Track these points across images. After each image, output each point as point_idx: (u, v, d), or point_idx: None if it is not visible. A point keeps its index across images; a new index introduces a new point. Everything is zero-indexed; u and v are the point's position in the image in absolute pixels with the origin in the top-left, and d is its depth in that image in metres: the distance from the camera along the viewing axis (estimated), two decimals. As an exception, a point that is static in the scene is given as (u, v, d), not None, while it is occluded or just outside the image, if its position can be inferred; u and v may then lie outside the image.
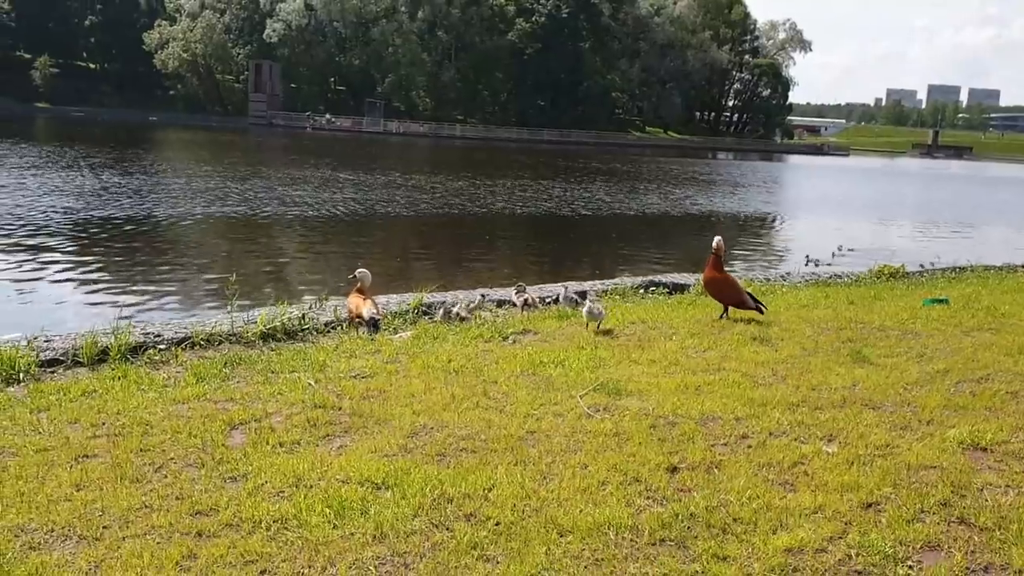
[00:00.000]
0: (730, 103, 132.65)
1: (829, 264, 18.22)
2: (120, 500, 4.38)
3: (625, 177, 47.30)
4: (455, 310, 9.31)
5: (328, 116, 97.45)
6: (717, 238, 9.18)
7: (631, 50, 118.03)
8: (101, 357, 7.29)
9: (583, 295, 11.05)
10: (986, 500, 4.57)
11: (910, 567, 3.87)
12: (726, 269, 9.46)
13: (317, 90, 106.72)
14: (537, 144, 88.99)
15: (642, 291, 11.41)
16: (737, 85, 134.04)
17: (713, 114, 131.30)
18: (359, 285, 8.49)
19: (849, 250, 20.92)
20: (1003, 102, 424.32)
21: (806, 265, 17.82)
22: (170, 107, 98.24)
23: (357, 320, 8.35)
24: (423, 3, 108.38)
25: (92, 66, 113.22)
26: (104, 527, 4.11)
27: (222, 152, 49.97)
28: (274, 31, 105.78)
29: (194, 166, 39.28)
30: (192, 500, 4.41)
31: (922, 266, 14.80)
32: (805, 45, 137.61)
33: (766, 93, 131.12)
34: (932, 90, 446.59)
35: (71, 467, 4.82)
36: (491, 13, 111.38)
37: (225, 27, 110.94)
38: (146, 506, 4.34)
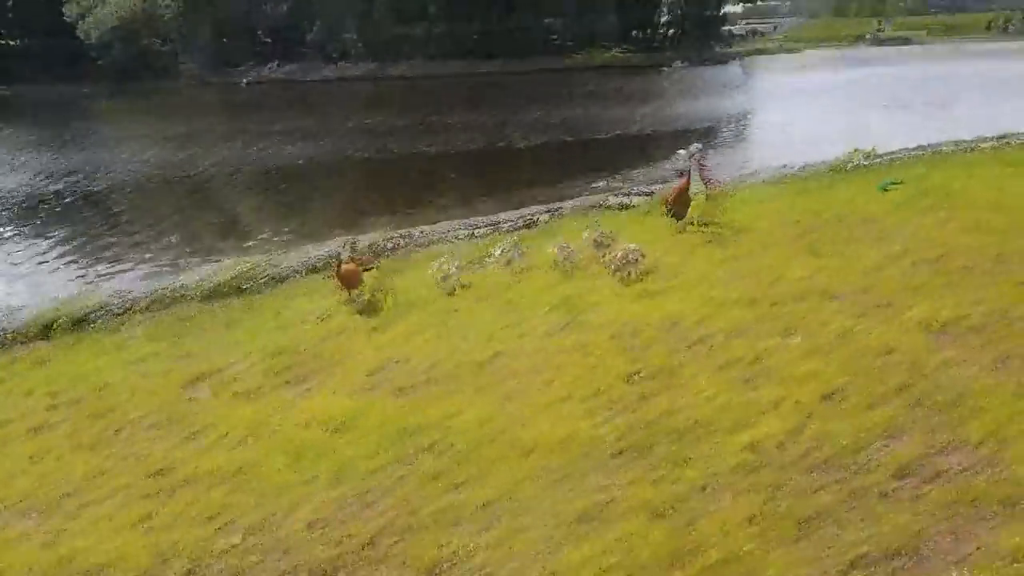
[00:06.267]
0: (664, 19, 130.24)
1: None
2: (77, 467, 4.32)
3: (570, 101, 46.64)
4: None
5: (266, 67, 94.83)
6: (693, 146, 8.86)
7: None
8: (52, 327, 7.13)
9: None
10: (943, 379, 4.59)
11: (871, 455, 3.89)
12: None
13: (247, 44, 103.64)
14: (477, 76, 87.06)
15: (597, 209, 11.29)
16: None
17: (649, 31, 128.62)
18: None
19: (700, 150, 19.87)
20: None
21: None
22: (99, 77, 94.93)
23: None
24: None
25: (12, 43, 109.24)
26: (63, 496, 4.05)
27: (159, 117, 48.55)
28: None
29: (131, 133, 38.15)
30: (151, 460, 4.36)
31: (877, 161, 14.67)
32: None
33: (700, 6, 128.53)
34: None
35: (27, 440, 4.75)
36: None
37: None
38: (104, 471, 4.28)
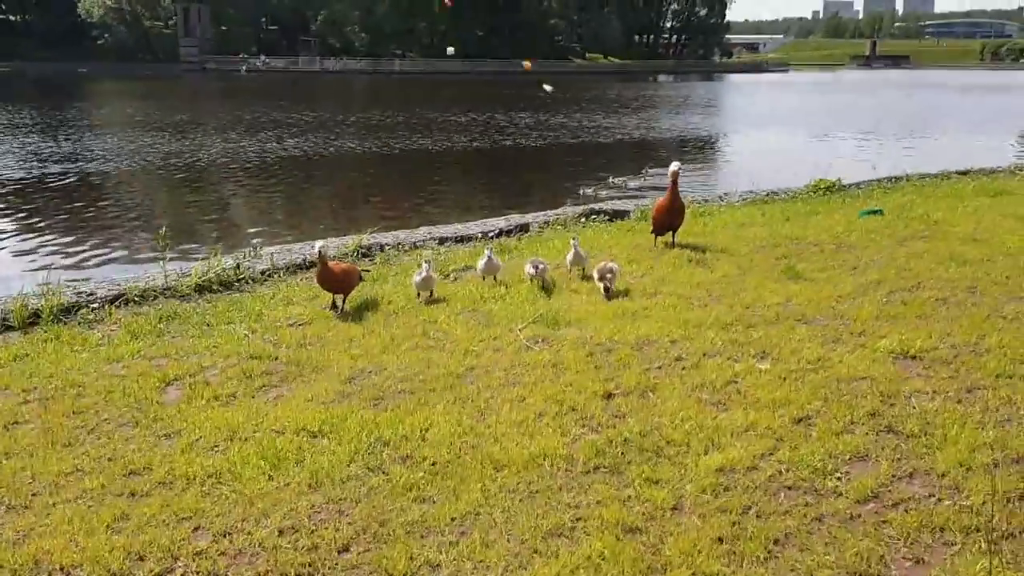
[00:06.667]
0: (668, 25, 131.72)
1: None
2: (50, 466, 4.31)
3: (567, 105, 46.86)
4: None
5: (263, 58, 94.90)
6: (674, 164, 8.92)
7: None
8: (32, 320, 7.11)
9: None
10: (913, 407, 4.68)
11: (838, 479, 3.96)
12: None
13: (249, 32, 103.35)
14: (478, 75, 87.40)
15: (584, 219, 11.40)
16: (675, 6, 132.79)
17: (652, 37, 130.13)
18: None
19: (653, 168, 19.83)
20: (938, 8, 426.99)
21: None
22: (100, 57, 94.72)
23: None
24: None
25: (13, 18, 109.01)
26: (33, 495, 4.05)
27: (155, 102, 48.50)
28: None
29: (127, 118, 38.06)
30: (125, 461, 4.36)
31: (859, 185, 14.81)
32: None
33: (703, 12, 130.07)
34: (868, 0, 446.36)
35: (0, 436, 4.73)
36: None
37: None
38: (78, 470, 4.28)
